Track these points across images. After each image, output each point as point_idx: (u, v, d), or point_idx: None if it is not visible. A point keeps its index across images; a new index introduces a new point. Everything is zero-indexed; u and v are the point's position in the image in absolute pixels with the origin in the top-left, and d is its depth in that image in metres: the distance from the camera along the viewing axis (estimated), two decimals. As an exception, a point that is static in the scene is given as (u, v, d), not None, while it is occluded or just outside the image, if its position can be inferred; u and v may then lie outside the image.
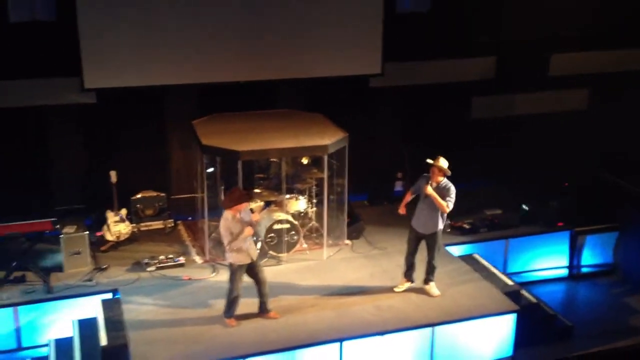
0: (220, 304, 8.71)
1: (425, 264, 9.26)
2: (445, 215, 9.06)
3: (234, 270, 8.49)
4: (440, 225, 9.06)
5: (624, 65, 13.08)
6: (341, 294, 9.33)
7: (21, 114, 10.54)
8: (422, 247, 9.21)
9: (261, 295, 8.72)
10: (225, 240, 8.35)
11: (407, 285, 9.35)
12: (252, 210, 8.67)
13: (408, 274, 9.35)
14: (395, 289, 9.33)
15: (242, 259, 8.43)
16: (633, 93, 13.02)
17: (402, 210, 9.20)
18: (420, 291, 9.30)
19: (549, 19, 12.45)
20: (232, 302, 8.58)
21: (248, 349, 8.12)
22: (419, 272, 9.35)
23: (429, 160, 8.87)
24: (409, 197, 9.22)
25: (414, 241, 9.19)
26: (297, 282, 9.60)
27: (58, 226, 9.86)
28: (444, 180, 8.89)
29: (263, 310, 8.76)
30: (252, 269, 8.57)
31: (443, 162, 8.86)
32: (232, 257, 8.42)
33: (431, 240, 9.09)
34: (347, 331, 8.51)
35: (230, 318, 8.61)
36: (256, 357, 8.10)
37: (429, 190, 8.80)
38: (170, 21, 10.66)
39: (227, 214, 8.33)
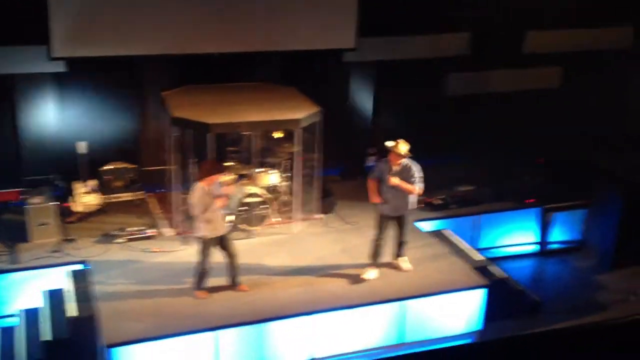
0: (190, 276, 8.65)
1: (395, 241, 9.19)
2: None
3: (204, 243, 8.45)
4: (412, 204, 9.00)
5: (597, 43, 13.16)
6: (312, 267, 9.33)
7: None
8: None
9: (231, 268, 8.70)
10: (196, 211, 8.29)
11: (375, 272, 9.14)
12: (221, 184, 8.62)
13: (373, 261, 9.12)
14: (364, 276, 9.06)
15: (212, 232, 8.38)
16: (606, 71, 13.11)
17: (377, 200, 8.95)
18: (392, 265, 9.32)
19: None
20: (202, 275, 8.55)
21: (218, 322, 8.11)
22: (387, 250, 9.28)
23: (388, 144, 8.70)
24: (375, 185, 8.95)
25: (384, 225, 9.02)
26: (267, 255, 9.58)
27: (25, 196, 9.70)
28: (404, 161, 8.74)
29: (233, 283, 8.75)
30: (222, 242, 8.55)
31: (402, 147, 8.66)
32: (202, 230, 8.37)
33: (402, 219, 9.05)
34: (317, 305, 8.53)
35: (200, 290, 8.56)
36: (226, 330, 8.08)
37: (394, 181, 8.66)
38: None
39: (199, 185, 8.29)
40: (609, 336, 9.16)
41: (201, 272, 8.53)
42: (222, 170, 8.62)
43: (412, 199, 8.95)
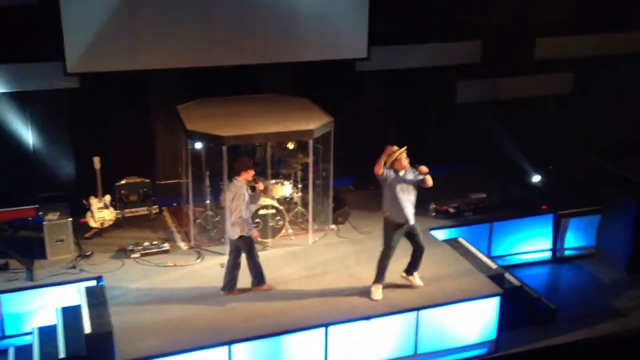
0: (205, 290, 8.76)
1: (416, 253, 9.00)
2: None
3: (241, 244, 8.77)
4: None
5: (608, 48, 13.09)
6: (326, 279, 9.35)
7: (4, 100, 10.43)
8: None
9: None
10: (227, 204, 8.69)
11: (381, 288, 9.02)
12: (253, 189, 8.94)
13: (381, 278, 8.98)
14: (374, 297, 8.91)
15: (239, 233, 8.70)
16: (617, 77, 13.05)
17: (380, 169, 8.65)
18: (403, 279, 9.19)
19: (535, 2, 12.44)
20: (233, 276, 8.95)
21: (233, 335, 8.14)
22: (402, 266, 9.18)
23: (392, 157, 8.60)
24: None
25: (400, 238, 8.87)
26: (282, 267, 9.61)
27: (41, 213, 9.81)
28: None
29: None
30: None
31: (396, 149, 8.67)
32: (233, 231, 8.69)
33: (415, 228, 8.91)
34: (332, 316, 8.55)
35: (226, 292, 8.91)
36: (242, 344, 8.12)
37: (430, 180, 8.67)
38: (154, 4, 10.53)
39: (237, 182, 8.68)
40: (625, 348, 9.18)
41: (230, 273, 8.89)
42: (254, 166, 9.08)
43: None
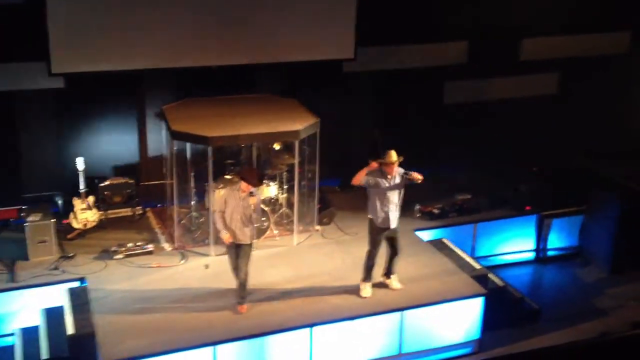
0: (189, 291, 8.75)
1: (392, 256, 9.07)
2: None
3: (227, 249, 8.71)
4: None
5: (593, 49, 13.19)
6: (311, 279, 9.35)
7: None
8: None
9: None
10: (216, 206, 8.68)
11: (370, 285, 9.12)
12: (251, 194, 8.70)
13: (369, 276, 9.04)
14: (363, 295, 8.98)
15: (229, 238, 8.57)
16: (602, 77, 13.13)
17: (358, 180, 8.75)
18: (382, 284, 9.19)
19: (520, 3, 12.50)
20: (239, 285, 8.72)
21: (218, 337, 8.14)
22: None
23: (384, 160, 8.62)
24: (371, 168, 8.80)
25: (380, 240, 8.92)
26: (267, 268, 9.59)
27: (23, 214, 9.75)
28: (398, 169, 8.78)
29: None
30: (237, 251, 8.68)
31: (394, 156, 8.65)
32: (221, 232, 8.60)
33: (396, 232, 8.96)
34: (317, 317, 8.56)
35: (239, 304, 8.69)
36: (226, 345, 8.11)
37: (417, 176, 8.69)
38: (142, 3, 10.49)
39: (240, 186, 8.56)
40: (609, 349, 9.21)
41: (237, 282, 8.70)
42: (260, 184, 8.99)
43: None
